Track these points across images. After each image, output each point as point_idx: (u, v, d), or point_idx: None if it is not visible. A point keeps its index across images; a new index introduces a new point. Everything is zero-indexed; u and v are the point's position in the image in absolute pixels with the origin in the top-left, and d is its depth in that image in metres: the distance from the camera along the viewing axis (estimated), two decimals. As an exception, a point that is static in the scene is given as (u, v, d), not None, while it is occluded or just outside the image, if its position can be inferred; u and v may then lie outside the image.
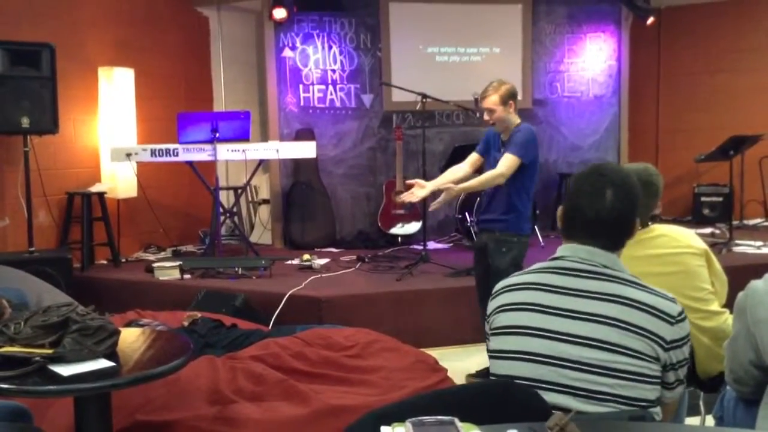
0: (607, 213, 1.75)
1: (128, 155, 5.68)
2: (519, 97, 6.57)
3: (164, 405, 2.75)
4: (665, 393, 1.75)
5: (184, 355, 2.31)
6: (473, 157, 4.08)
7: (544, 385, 1.68)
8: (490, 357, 1.83)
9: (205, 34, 7.05)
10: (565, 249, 1.81)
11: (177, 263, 5.39)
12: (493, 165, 3.91)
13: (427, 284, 5.05)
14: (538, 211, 6.43)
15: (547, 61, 7.32)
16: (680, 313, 1.73)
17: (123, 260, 5.94)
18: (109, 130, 5.98)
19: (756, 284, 1.89)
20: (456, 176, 4.01)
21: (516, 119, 3.93)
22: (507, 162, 3.78)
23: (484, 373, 3.91)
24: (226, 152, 5.72)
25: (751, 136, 5.96)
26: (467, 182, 3.89)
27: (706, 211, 7.48)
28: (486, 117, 3.93)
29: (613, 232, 1.78)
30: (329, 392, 2.94)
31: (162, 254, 6.30)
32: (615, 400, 1.66)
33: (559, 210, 1.87)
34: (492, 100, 3.87)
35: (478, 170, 4.08)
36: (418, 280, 5.16)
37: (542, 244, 6.22)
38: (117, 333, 2.33)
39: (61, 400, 2.65)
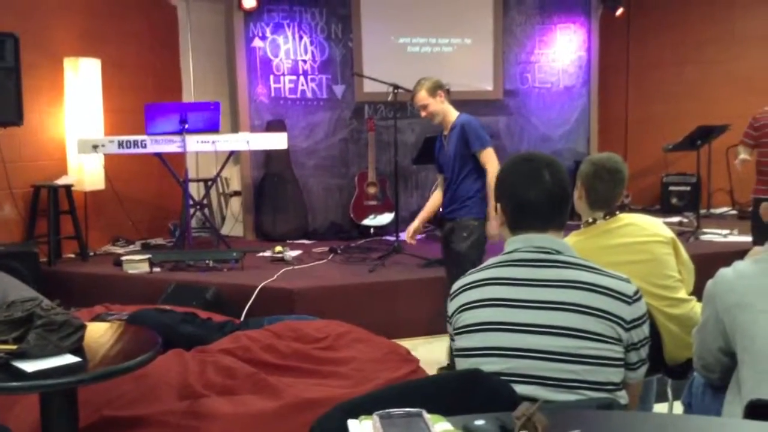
0: (552, 191, 1.79)
1: (95, 147, 5.58)
2: (490, 88, 6.56)
3: (133, 400, 2.71)
4: (629, 374, 1.77)
5: (151, 349, 2.28)
6: (440, 178, 4.15)
7: (512, 378, 1.68)
8: (456, 356, 1.82)
9: (173, 23, 6.94)
10: (517, 241, 1.82)
11: (146, 256, 5.32)
12: (445, 167, 4.00)
13: (399, 275, 5.05)
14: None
15: (518, 52, 7.35)
16: (636, 293, 1.75)
17: (91, 254, 5.85)
18: (75, 122, 5.87)
19: (725, 272, 1.92)
20: (436, 203, 4.14)
21: (452, 110, 4.00)
22: (486, 157, 3.87)
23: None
24: (196, 143, 5.65)
25: (718, 126, 6.04)
26: (489, 204, 3.85)
27: (674, 201, 7.59)
28: (423, 114, 4.00)
29: (561, 209, 1.82)
30: (300, 385, 2.92)
31: (131, 247, 6.22)
32: (583, 386, 1.67)
33: (498, 207, 1.88)
34: (421, 96, 3.94)
35: None
36: (391, 271, 5.16)
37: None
38: (83, 328, 2.29)
39: (27, 396, 2.60)
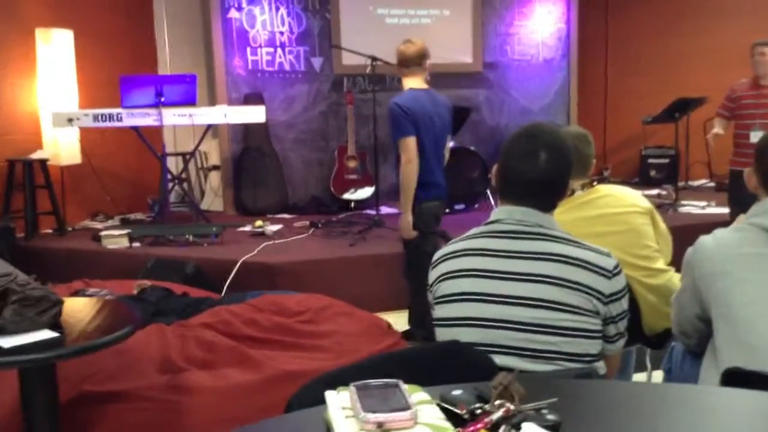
0: (540, 175, 1.77)
1: (70, 120, 5.50)
2: (469, 60, 6.52)
3: (113, 375, 2.70)
4: (607, 346, 1.79)
5: (130, 324, 2.26)
6: None
7: (490, 348, 1.70)
8: (436, 326, 1.83)
9: (148, -7, 6.81)
10: (501, 212, 1.82)
11: (125, 231, 5.28)
12: None
13: (380, 249, 5.05)
14: (490, 175, 6.47)
15: (498, 24, 7.30)
16: (616, 267, 1.76)
17: (69, 229, 5.79)
18: (49, 95, 5.77)
19: (705, 239, 1.94)
20: None
21: (405, 84, 3.87)
22: (402, 148, 3.71)
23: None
24: (172, 117, 5.58)
25: (696, 98, 6.07)
26: (402, 199, 3.79)
27: (652, 173, 7.64)
28: None
29: (545, 194, 1.80)
30: (281, 358, 2.93)
31: (109, 222, 6.16)
32: (560, 357, 1.69)
33: (494, 168, 1.88)
34: None
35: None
36: (372, 245, 5.16)
37: (495, 208, 6.27)
38: (60, 303, 2.27)
39: (6, 373, 2.58)
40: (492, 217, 1.84)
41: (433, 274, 1.87)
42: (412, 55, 3.82)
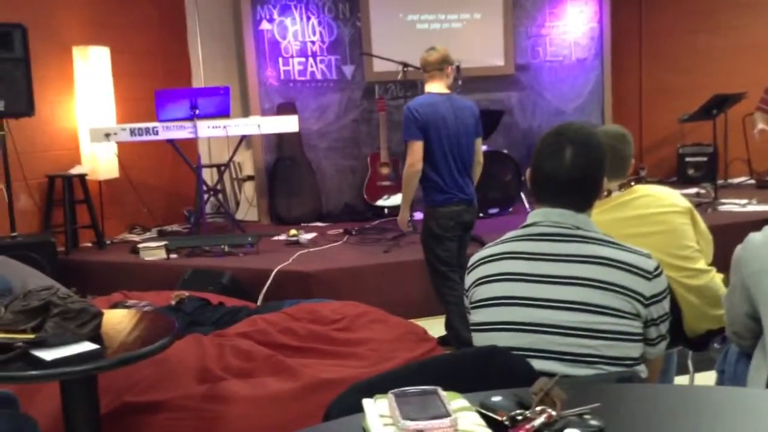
0: (567, 172, 1.74)
1: (107, 135, 5.59)
2: (501, 63, 6.51)
3: (152, 385, 2.73)
4: (648, 349, 1.75)
5: (169, 334, 2.28)
6: None
7: (529, 353, 1.67)
8: (473, 330, 1.81)
9: (180, 8, 6.91)
10: (537, 214, 1.80)
11: (162, 243, 5.35)
12: None
13: (414, 255, 5.02)
14: (524, 178, 6.42)
15: (529, 26, 7.25)
16: (656, 268, 1.72)
17: (108, 242, 5.89)
18: (86, 111, 5.88)
19: (754, 236, 1.89)
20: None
21: (425, 90, 3.99)
22: (407, 150, 3.85)
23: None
24: (207, 129, 5.65)
25: (733, 94, 5.94)
26: (403, 197, 4.03)
27: (690, 172, 7.49)
28: None
29: (576, 191, 1.77)
30: (318, 366, 2.93)
31: (147, 234, 6.25)
32: (601, 361, 1.66)
33: (528, 172, 1.86)
34: None
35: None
36: (406, 252, 5.15)
37: (529, 211, 6.22)
38: (100, 315, 2.30)
39: (48, 385, 2.62)
40: (529, 220, 1.82)
41: (469, 279, 1.85)
42: (433, 61, 3.91)
